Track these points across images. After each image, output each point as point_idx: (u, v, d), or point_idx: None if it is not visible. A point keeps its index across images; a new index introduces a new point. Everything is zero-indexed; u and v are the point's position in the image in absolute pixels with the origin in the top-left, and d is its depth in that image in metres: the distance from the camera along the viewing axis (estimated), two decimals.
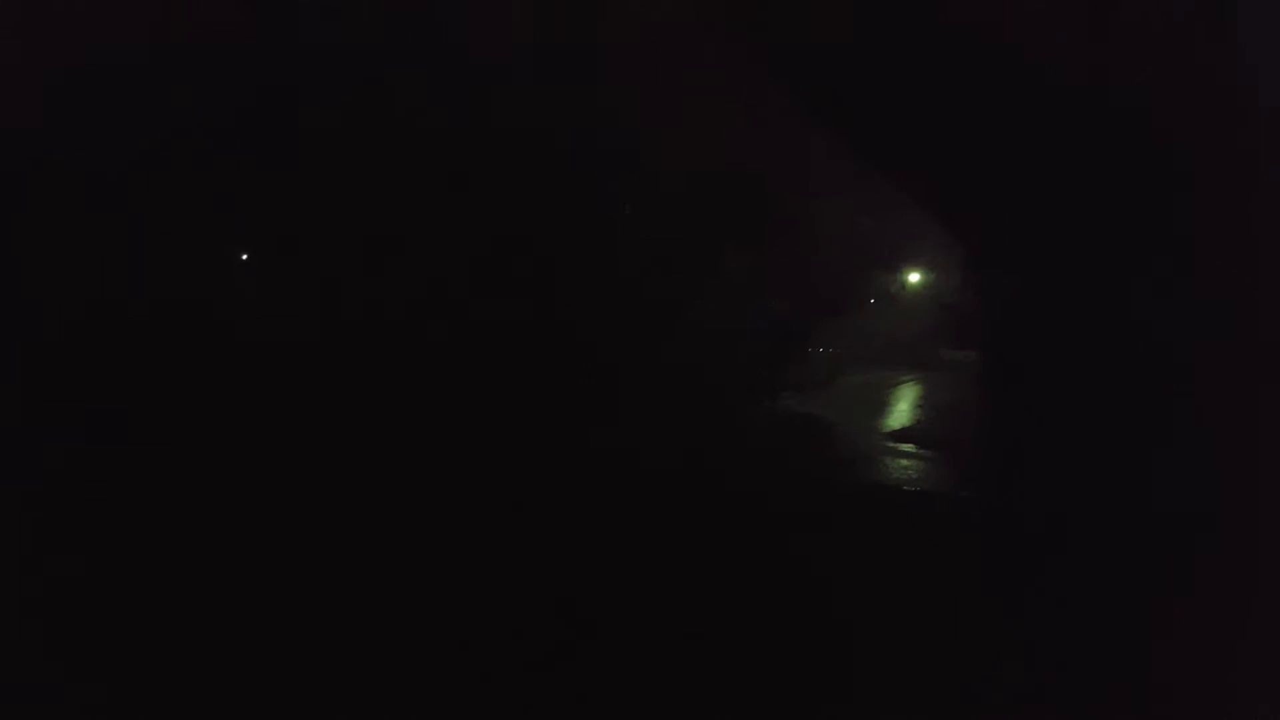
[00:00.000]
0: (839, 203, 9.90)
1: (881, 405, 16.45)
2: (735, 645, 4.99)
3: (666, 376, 7.92)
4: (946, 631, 5.22)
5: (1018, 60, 6.28)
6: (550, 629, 5.02)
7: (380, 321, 7.32)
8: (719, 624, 5.23)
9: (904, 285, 20.63)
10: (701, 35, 8.69)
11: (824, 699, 4.61)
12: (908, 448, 12.00)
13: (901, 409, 16.17)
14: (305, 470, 6.80)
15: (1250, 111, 5.59)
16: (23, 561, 5.38)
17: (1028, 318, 8.02)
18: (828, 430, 9.26)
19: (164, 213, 8.52)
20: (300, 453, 7.03)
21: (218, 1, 8.72)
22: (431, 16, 8.44)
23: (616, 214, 8.34)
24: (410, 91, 8.28)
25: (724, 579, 5.75)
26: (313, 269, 8.00)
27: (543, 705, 4.34)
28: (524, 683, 4.50)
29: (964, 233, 10.28)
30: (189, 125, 8.49)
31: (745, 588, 5.70)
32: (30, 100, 7.91)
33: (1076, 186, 6.94)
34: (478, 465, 6.64)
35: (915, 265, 20.59)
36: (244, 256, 9.73)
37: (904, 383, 20.29)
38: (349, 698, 4.29)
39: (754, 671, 4.77)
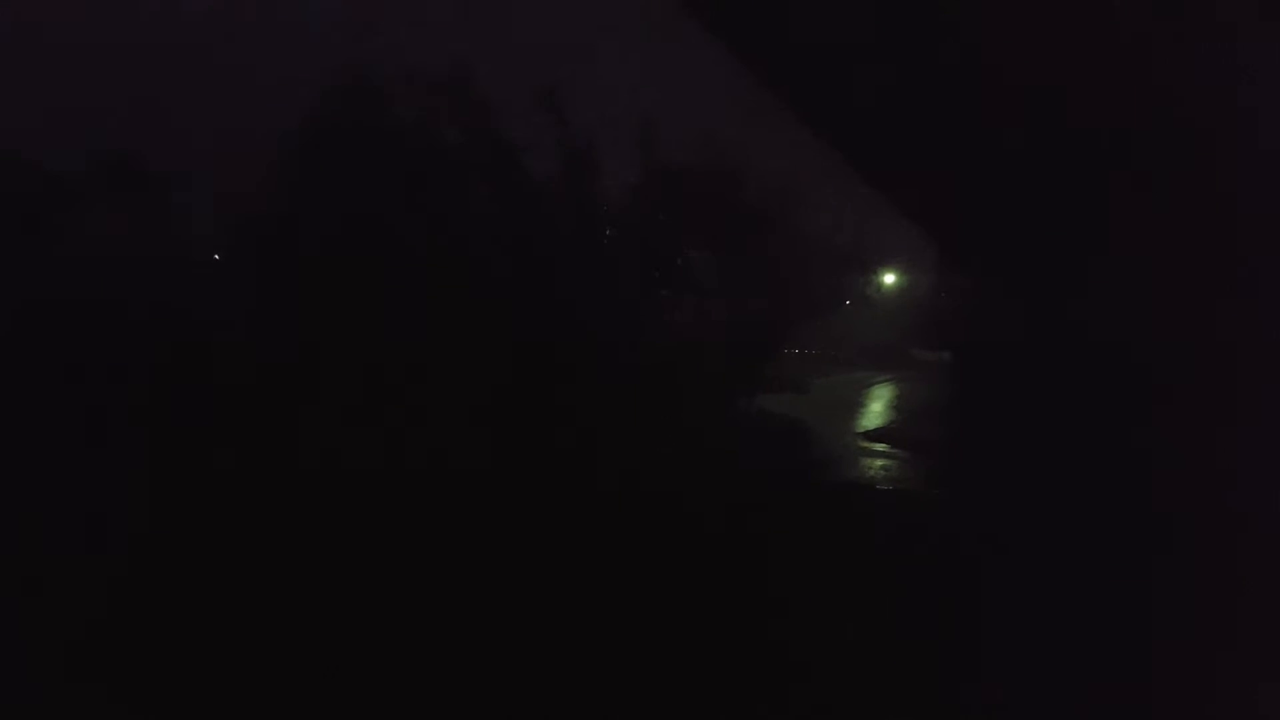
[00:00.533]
0: (814, 203, 9.95)
1: (856, 406, 16.60)
2: (710, 645, 4.99)
3: (639, 377, 7.90)
4: (920, 629, 5.26)
5: (994, 62, 6.32)
6: (523, 637, 5.00)
7: (349, 323, 7.22)
8: (691, 625, 5.22)
9: (879, 286, 20.79)
10: (678, 33, 8.70)
11: (801, 697, 4.62)
12: (881, 447, 12.13)
13: (875, 409, 16.33)
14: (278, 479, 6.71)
15: (1226, 114, 5.66)
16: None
17: (1000, 319, 8.09)
18: (803, 431, 9.32)
19: (129, 211, 8.37)
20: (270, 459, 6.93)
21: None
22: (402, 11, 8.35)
23: (589, 213, 8.29)
24: (382, 90, 8.19)
25: (698, 579, 5.74)
26: (281, 270, 7.87)
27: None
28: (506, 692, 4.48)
29: (938, 234, 10.37)
30: (156, 121, 8.35)
31: (718, 587, 5.69)
32: None
33: (1050, 189, 7.01)
34: (442, 472, 6.57)
35: (890, 267, 20.79)
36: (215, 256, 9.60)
37: (878, 383, 20.50)
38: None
39: (732, 671, 4.77)
